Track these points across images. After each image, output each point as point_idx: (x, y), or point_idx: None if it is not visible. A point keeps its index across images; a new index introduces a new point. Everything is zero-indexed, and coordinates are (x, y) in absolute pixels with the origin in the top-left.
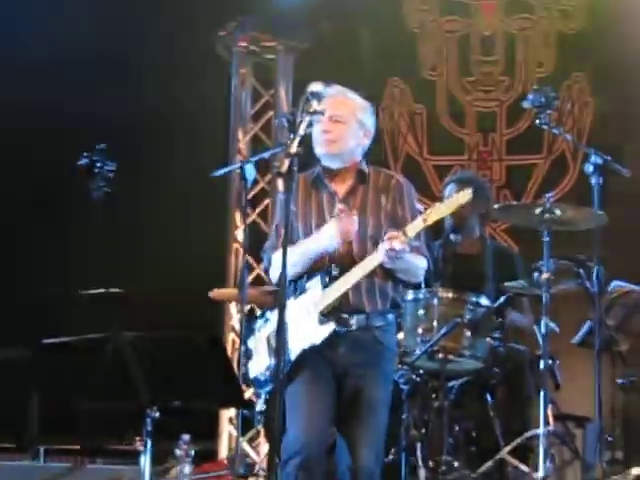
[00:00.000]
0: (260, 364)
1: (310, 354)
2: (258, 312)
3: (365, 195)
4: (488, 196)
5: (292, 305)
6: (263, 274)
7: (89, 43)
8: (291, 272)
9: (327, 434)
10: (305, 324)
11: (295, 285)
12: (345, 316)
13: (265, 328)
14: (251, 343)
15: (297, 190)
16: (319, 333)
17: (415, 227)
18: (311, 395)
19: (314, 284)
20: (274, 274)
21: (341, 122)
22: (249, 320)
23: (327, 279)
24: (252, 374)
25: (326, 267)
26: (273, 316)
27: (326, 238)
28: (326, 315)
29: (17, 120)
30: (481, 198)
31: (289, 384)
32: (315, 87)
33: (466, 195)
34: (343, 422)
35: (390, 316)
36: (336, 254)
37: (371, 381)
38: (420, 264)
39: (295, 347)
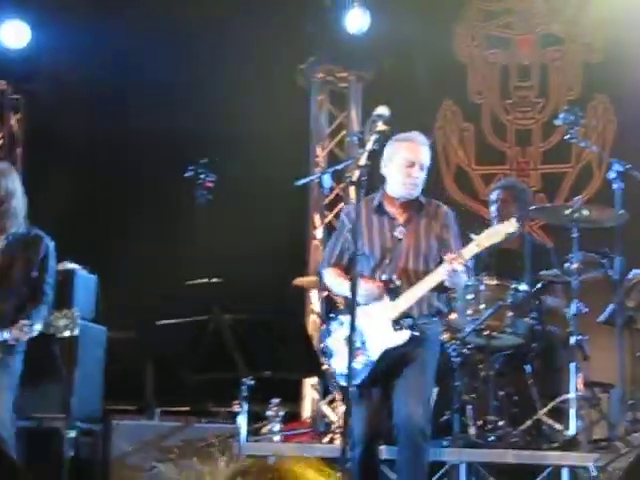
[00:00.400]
0: (343, 362)
1: None
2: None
3: (420, 221)
4: (526, 199)
5: (364, 313)
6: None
7: (200, 79)
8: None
9: (383, 422)
10: (380, 330)
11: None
12: (399, 320)
13: (341, 330)
14: (329, 342)
15: (362, 211)
16: (396, 338)
17: (470, 251)
18: (369, 396)
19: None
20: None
21: (424, 171)
22: (327, 317)
23: (393, 290)
24: (336, 370)
25: (390, 280)
26: (346, 319)
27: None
28: (398, 322)
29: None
30: (521, 201)
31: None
32: (380, 110)
33: (513, 225)
34: (395, 388)
35: (434, 318)
36: (398, 268)
37: (417, 354)
38: (465, 279)
39: (373, 349)
